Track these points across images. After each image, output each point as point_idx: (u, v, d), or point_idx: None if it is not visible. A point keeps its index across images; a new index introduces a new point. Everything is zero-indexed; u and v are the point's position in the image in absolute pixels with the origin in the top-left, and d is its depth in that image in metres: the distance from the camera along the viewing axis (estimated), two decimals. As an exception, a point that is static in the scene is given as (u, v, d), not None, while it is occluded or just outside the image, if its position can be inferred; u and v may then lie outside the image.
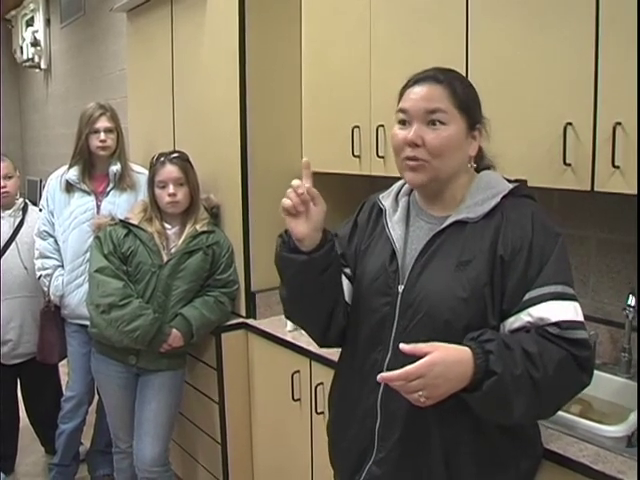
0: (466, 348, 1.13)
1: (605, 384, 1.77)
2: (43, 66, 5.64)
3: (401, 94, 1.31)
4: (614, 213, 1.83)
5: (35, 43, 5.52)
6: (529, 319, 1.18)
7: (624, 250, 1.84)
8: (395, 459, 1.28)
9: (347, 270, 1.41)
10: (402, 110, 1.27)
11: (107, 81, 4.48)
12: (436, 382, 1.09)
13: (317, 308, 1.36)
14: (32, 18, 5.64)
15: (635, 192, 1.46)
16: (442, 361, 1.09)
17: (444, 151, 1.24)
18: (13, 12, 6.00)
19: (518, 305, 1.20)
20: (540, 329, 1.17)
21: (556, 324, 1.16)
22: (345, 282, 1.40)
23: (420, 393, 1.09)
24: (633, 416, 1.50)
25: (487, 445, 1.25)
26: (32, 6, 5.56)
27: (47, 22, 5.48)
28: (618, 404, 1.71)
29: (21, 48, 5.82)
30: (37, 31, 5.52)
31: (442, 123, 1.24)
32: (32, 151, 6.44)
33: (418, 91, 1.26)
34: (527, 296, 1.19)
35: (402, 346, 1.10)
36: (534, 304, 1.18)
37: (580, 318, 1.20)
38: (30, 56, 5.63)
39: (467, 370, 1.11)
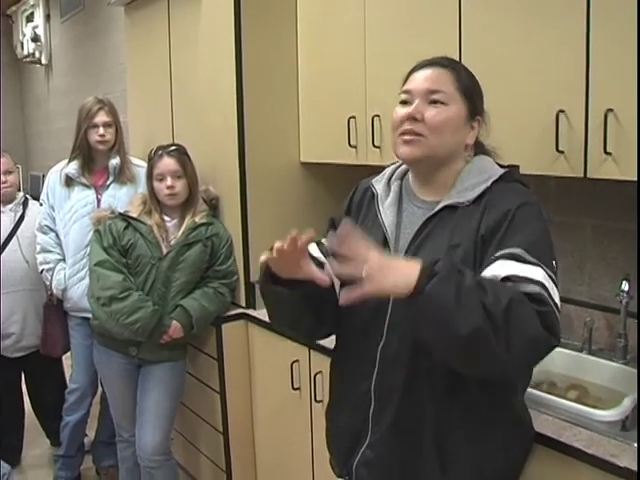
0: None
1: (601, 370, 1.79)
2: (44, 61, 5.65)
3: (406, 78, 1.34)
4: (609, 200, 1.83)
5: (35, 38, 5.53)
6: (485, 275, 1.15)
7: (619, 236, 1.84)
8: (388, 443, 1.30)
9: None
10: (405, 91, 1.30)
11: (107, 75, 4.50)
12: (380, 263, 1.07)
13: (303, 320, 1.39)
14: (32, 13, 5.65)
15: (627, 178, 1.47)
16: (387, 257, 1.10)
17: (442, 128, 1.25)
18: (13, 7, 6.00)
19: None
20: None
21: (507, 278, 1.12)
22: (336, 281, 1.39)
23: (363, 274, 1.06)
24: (627, 401, 1.51)
25: (479, 429, 1.26)
26: (32, 1, 5.57)
27: (47, 17, 5.49)
28: (614, 389, 1.72)
29: (21, 43, 5.83)
30: (37, 26, 5.53)
31: (443, 103, 1.26)
32: (34, 146, 6.47)
33: (423, 73, 1.30)
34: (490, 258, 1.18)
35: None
36: (491, 263, 1.17)
37: (535, 278, 1.13)
38: (31, 51, 5.64)
39: (413, 270, 1.07)
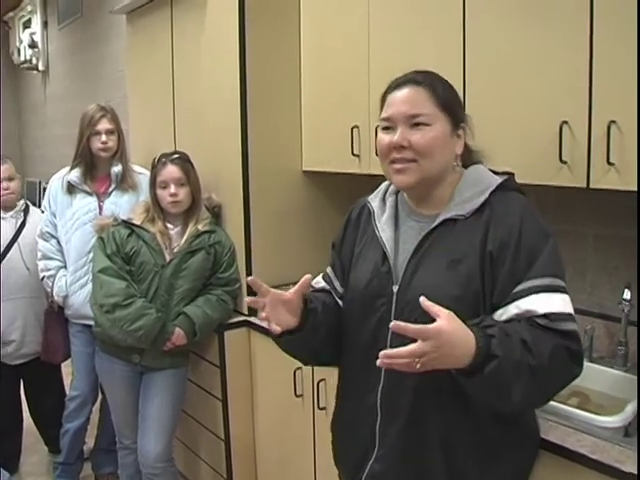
0: (470, 330, 1.12)
1: (602, 377, 1.80)
2: (41, 67, 5.67)
3: (383, 99, 1.33)
4: (610, 209, 1.86)
5: (33, 45, 5.55)
6: (517, 311, 1.19)
7: (621, 245, 1.87)
8: (395, 455, 1.31)
9: (342, 291, 1.46)
10: (385, 118, 1.30)
11: (105, 82, 4.51)
12: (438, 352, 1.06)
13: (326, 353, 1.43)
14: (29, 20, 5.67)
15: (630, 188, 1.49)
16: (450, 332, 1.07)
17: (431, 150, 1.25)
18: (10, 14, 6.02)
19: (507, 298, 1.21)
20: (530, 320, 1.18)
21: (544, 316, 1.17)
22: (340, 302, 1.46)
23: (417, 359, 1.07)
24: (630, 407, 1.53)
25: (485, 437, 1.27)
26: (29, 8, 5.59)
27: (44, 24, 5.52)
28: (615, 396, 1.74)
29: (18, 50, 5.84)
30: (34, 33, 5.55)
31: (426, 125, 1.25)
32: (31, 152, 6.46)
33: (399, 96, 1.28)
34: (516, 289, 1.20)
35: (422, 299, 1.10)
36: (522, 297, 1.19)
37: (569, 310, 1.20)
38: (28, 58, 5.66)
39: (469, 350, 1.09)
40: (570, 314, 1.21)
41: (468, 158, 1.37)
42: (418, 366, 1.07)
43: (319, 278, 1.54)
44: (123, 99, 3.67)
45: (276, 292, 1.27)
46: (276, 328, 1.28)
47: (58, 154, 5.56)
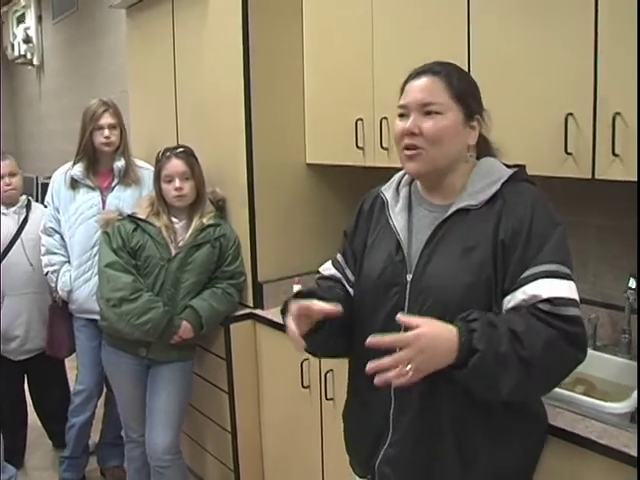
0: (453, 327, 1.17)
1: (607, 365, 1.84)
2: (35, 62, 5.64)
3: (402, 88, 1.37)
4: (613, 200, 1.89)
5: (27, 40, 5.52)
6: (524, 297, 1.21)
7: (623, 236, 1.90)
8: (409, 440, 1.33)
9: (353, 278, 1.49)
10: (402, 106, 1.34)
11: (102, 77, 4.50)
12: (423, 356, 1.12)
13: (343, 345, 1.45)
14: (23, 15, 5.63)
15: (634, 179, 1.52)
16: (430, 334, 1.13)
17: (441, 139, 1.28)
18: (4, 8, 5.97)
19: (515, 284, 1.24)
20: (532, 307, 1.20)
21: (548, 300, 1.19)
22: (351, 290, 1.49)
23: (408, 367, 1.12)
24: (635, 393, 1.57)
25: (495, 421, 1.30)
26: (23, 2, 5.55)
27: (39, 18, 5.49)
28: (620, 383, 1.78)
29: (12, 45, 5.80)
30: (29, 28, 5.52)
31: (438, 113, 1.29)
32: (26, 148, 6.44)
33: (416, 84, 1.33)
34: (523, 275, 1.23)
35: (399, 316, 1.17)
36: (529, 282, 1.22)
37: (573, 296, 1.23)
38: (22, 53, 5.63)
39: (452, 347, 1.14)
40: (575, 300, 1.22)
41: (485, 150, 1.40)
42: (410, 374, 1.12)
43: (328, 264, 1.56)
44: (121, 93, 3.66)
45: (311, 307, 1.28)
46: (300, 341, 1.28)
47: (53, 149, 5.54)
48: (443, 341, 1.14)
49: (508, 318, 1.20)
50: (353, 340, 1.45)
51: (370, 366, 1.13)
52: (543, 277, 1.21)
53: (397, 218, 1.39)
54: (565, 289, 1.22)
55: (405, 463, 1.35)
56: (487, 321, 1.17)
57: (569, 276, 1.24)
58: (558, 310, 1.19)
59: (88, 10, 4.62)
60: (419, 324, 1.13)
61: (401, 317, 1.16)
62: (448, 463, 1.31)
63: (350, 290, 1.49)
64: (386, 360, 1.12)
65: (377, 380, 1.14)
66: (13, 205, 2.82)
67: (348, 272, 1.50)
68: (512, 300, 1.23)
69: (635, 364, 1.79)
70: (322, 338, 1.36)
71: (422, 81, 1.32)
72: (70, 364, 3.01)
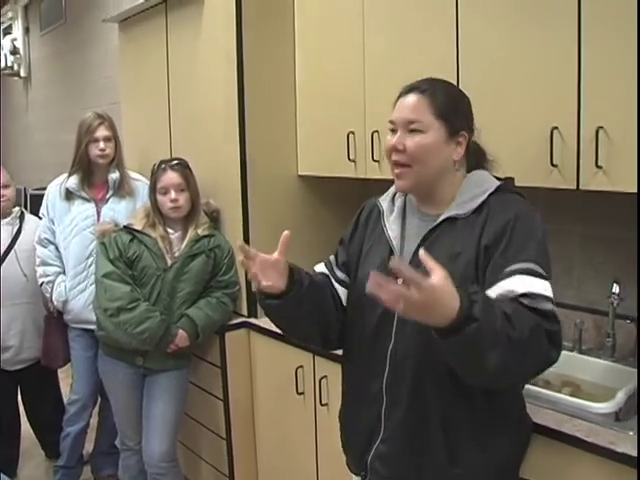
0: (457, 294, 1.13)
1: (592, 367, 1.92)
2: (23, 74, 5.65)
3: (395, 104, 1.44)
4: (596, 209, 1.97)
5: (14, 51, 5.53)
6: (499, 291, 1.24)
7: (606, 243, 1.98)
8: (399, 436, 1.41)
9: (341, 276, 1.56)
10: (391, 121, 1.43)
11: (92, 89, 4.51)
12: (425, 305, 1.07)
13: (309, 328, 1.51)
14: (10, 26, 5.65)
15: (617, 189, 1.60)
16: (441, 292, 1.08)
17: (422, 156, 1.37)
18: (-10, 20, 5.98)
19: (494, 282, 1.27)
20: (514, 300, 1.22)
21: (525, 295, 1.23)
22: (340, 289, 1.55)
23: (402, 305, 1.08)
24: (620, 394, 1.64)
25: (481, 419, 1.37)
26: (10, 14, 5.57)
27: (26, 30, 5.51)
28: (604, 385, 1.85)
29: (-2, 57, 5.82)
30: (16, 39, 5.53)
31: (420, 131, 1.37)
32: (13, 159, 6.40)
33: (404, 102, 1.41)
34: (501, 273, 1.27)
35: (421, 253, 1.12)
36: (504, 278, 1.26)
37: (548, 294, 1.25)
38: (9, 64, 5.63)
39: (452, 310, 1.10)
40: (550, 297, 1.25)
41: (480, 162, 1.48)
42: (401, 306, 1.09)
43: (321, 265, 1.63)
44: (110, 105, 3.70)
45: (264, 255, 1.36)
46: (267, 283, 1.36)
47: (40, 160, 5.54)
48: (447, 302, 1.11)
49: (500, 302, 1.21)
50: (322, 332, 1.52)
51: (375, 279, 1.09)
52: (518, 274, 1.26)
53: (391, 227, 1.47)
54: (540, 286, 1.25)
55: (395, 459, 1.43)
56: (486, 297, 1.20)
57: (545, 276, 1.28)
58: (536, 304, 1.23)
59: (76, 22, 4.65)
60: (436, 272, 1.09)
61: (422, 254, 1.12)
62: (436, 459, 1.38)
63: (335, 285, 1.56)
64: (393, 286, 1.08)
65: (370, 286, 1.10)
66: (6, 216, 2.84)
67: (337, 270, 1.57)
68: (491, 295, 1.26)
69: (618, 367, 1.87)
70: (288, 304, 1.41)
71: (409, 99, 1.40)
72: (63, 374, 3.02)
